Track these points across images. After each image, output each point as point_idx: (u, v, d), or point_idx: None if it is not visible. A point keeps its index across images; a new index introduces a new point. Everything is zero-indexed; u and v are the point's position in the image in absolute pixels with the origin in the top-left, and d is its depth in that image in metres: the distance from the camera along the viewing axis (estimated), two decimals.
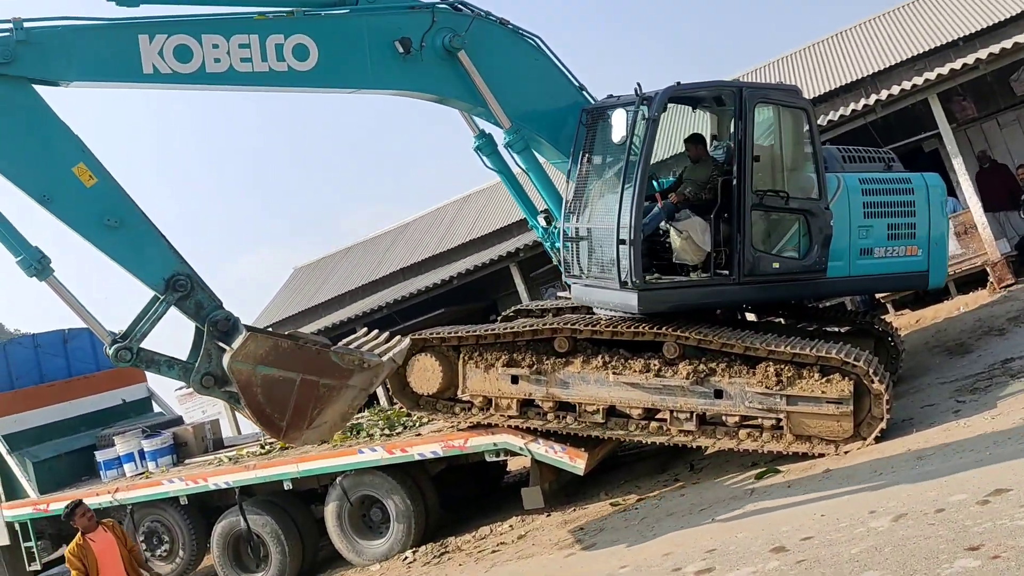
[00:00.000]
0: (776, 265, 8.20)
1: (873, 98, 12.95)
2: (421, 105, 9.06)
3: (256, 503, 10.09)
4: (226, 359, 6.88)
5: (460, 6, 8.56)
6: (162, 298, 7.08)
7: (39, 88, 6.93)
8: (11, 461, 11.62)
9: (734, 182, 8.04)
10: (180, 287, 7.01)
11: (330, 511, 9.66)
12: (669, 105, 8.26)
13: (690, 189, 8.56)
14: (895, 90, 12.59)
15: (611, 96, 8.73)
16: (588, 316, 9.06)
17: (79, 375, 12.83)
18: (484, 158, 9.33)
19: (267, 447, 10.77)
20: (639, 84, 7.97)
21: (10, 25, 6.78)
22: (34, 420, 11.50)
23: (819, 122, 13.21)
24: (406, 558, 9.16)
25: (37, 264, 7.03)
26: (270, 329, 9.61)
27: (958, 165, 12.44)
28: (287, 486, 9.93)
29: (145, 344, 7.16)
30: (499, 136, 9.07)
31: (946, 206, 9.25)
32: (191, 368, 7.15)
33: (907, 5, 19.47)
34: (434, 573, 8.45)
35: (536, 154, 9.09)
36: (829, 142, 11.09)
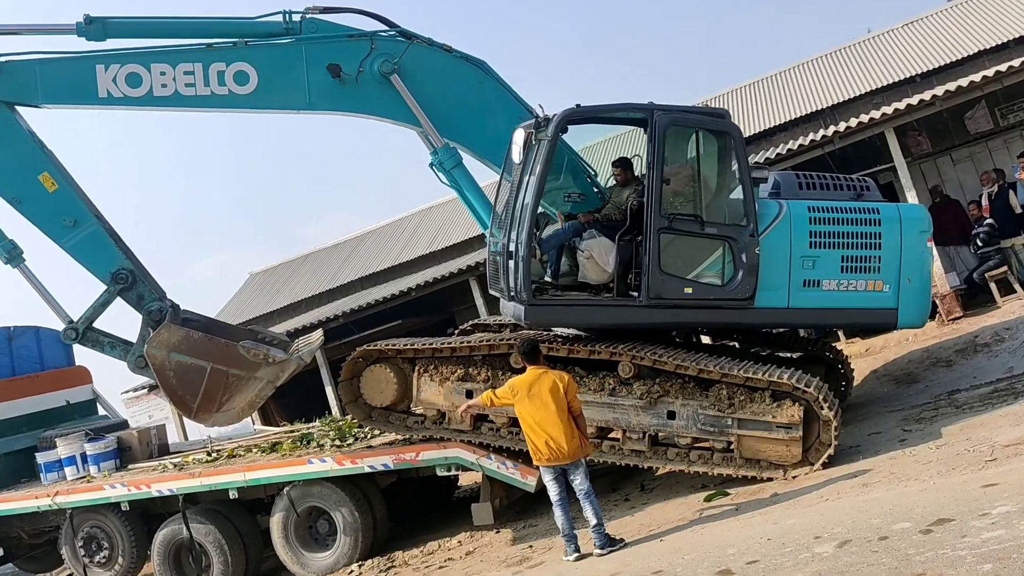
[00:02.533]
0: (689, 290, 8.09)
1: (832, 129, 13.21)
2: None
3: (200, 511, 9.89)
4: (144, 348, 8.13)
5: (402, 34, 9.15)
6: (107, 288, 8.47)
7: (20, 108, 8.64)
8: None
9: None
10: (122, 280, 8.44)
11: (276, 522, 9.50)
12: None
13: (606, 210, 8.66)
14: (853, 122, 12.86)
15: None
16: (545, 333, 9.06)
17: (23, 374, 12.47)
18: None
19: (213, 454, 10.57)
20: (540, 106, 8.25)
21: None
22: None
23: (779, 151, 13.45)
24: (352, 572, 9.04)
25: (8, 254, 8.94)
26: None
27: (911, 198, 12.72)
28: (233, 495, 9.75)
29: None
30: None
31: (927, 241, 8.69)
32: (129, 350, 8.52)
33: (866, 40, 19.94)
34: None
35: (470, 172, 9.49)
36: (792, 170, 11.15)
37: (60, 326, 9.17)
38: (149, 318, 8.46)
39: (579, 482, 6.83)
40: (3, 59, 8.59)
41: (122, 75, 8.62)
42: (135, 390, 20.19)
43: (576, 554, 6.84)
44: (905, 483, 6.38)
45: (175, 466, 10.38)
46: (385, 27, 9.22)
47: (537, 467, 7.15)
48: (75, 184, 8.79)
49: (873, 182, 9.12)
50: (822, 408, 7.56)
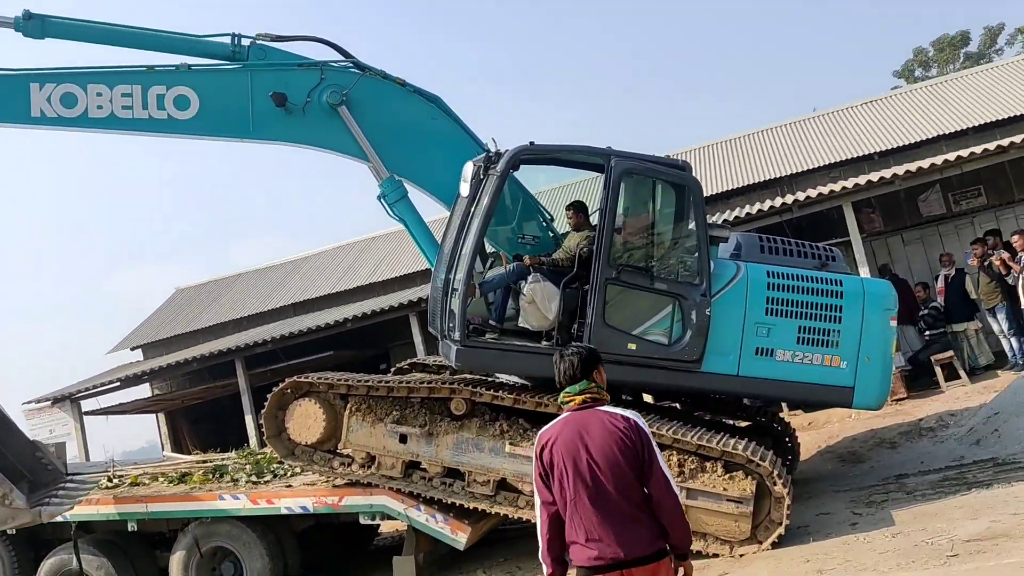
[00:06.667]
0: (632, 346, 7.69)
1: (791, 197, 13.12)
2: None
3: (93, 542, 9.08)
4: None
5: (356, 65, 8.96)
6: None
7: None
8: None
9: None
10: None
11: (176, 560, 8.73)
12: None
13: (555, 255, 8.34)
14: (813, 192, 12.79)
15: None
16: (490, 380, 8.55)
17: None
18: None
19: (115, 480, 9.70)
20: (493, 139, 8.04)
21: None
22: None
23: (736, 214, 13.30)
24: None
25: None
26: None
27: (863, 274, 12.63)
28: (131, 527, 8.96)
29: None
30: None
31: (891, 320, 8.27)
32: None
33: (822, 116, 20.27)
34: None
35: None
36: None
37: None
38: None
39: None
40: None
41: (57, 94, 8.33)
42: (38, 401, 18.93)
43: None
44: (863, 573, 5.99)
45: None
46: (338, 56, 9.02)
47: None
48: None
49: (840, 253, 8.87)
50: (775, 483, 7.19)
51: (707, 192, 16.43)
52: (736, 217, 13.26)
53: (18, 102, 8.29)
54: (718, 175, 18.46)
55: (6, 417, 8.89)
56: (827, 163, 16.94)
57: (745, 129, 20.92)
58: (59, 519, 8.97)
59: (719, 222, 12.09)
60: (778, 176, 17.15)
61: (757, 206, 13.60)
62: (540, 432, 3.92)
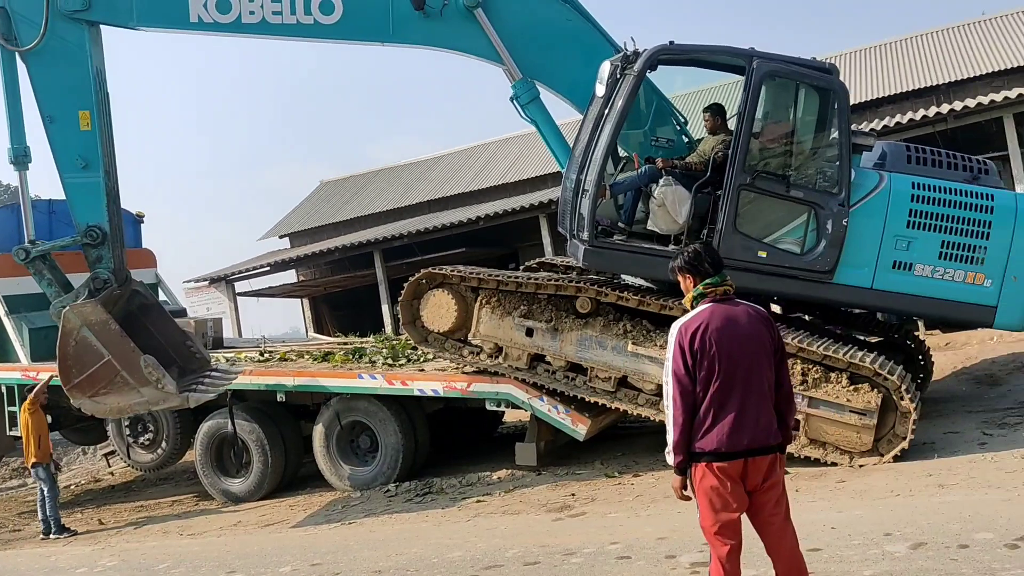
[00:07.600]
0: (763, 254, 7.61)
1: (946, 107, 12.39)
2: None
3: (246, 409, 9.90)
4: (67, 306, 8.20)
5: None
6: (76, 235, 8.63)
7: (116, 31, 8.85)
8: (8, 324, 11.41)
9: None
10: (92, 236, 8.56)
11: (319, 431, 9.46)
12: None
13: (688, 158, 8.22)
14: (971, 102, 12.03)
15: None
16: (615, 281, 8.71)
17: None
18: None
19: (266, 355, 10.53)
20: (632, 39, 7.87)
21: None
22: (36, 286, 11.25)
23: (885, 123, 12.70)
24: (388, 491, 8.97)
25: (17, 157, 8.88)
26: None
27: (1020, 190, 11.92)
28: (280, 397, 9.73)
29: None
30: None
31: None
32: (60, 297, 8.57)
33: (985, 21, 18.69)
34: (415, 511, 8.23)
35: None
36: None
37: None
38: (92, 283, 8.58)
39: None
40: None
41: (212, 1, 8.67)
42: (196, 281, 20.43)
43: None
44: (986, 490, 5.95)
45: (227, 361, 10.36)
46: None
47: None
48: (108, 134, 8.87)
49: (994, 165, 8.39)
50: (902, 398, 7.13)
51: (854, 99, 15.76)
52: (885, 126, 12.65)
53: (178, 8, 8.68)
54: (868, 82, 17.49)
55: (162, 309, 9.70)
56: (989, 71, 15.76)
57: (900, 34, 19.61)
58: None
59: (873, 129, 11.63)
60: (933, 84, 16.11)
61: (908, 115, 12.92)
62: (682, 323, 3.81)
